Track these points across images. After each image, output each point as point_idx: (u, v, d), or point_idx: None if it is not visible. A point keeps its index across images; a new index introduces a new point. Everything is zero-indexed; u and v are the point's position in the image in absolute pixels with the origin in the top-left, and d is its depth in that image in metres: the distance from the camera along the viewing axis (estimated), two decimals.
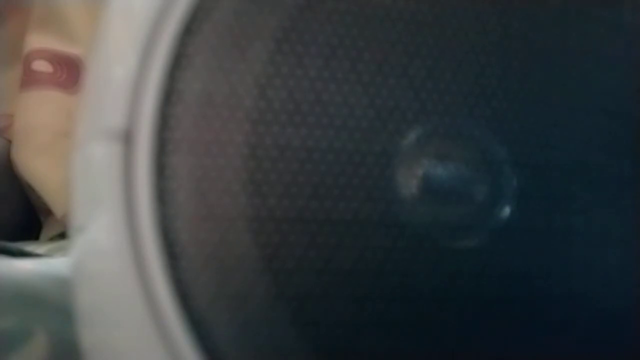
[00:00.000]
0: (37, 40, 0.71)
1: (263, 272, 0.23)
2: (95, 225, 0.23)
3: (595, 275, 0.27)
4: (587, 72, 0.28)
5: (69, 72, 0.71)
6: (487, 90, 0.26)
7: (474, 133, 0.26)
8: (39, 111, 0.70)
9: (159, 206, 0.22)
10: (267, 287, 0.23)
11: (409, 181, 0.25)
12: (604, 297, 0.27)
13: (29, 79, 0.70)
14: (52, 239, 0.70)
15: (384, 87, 0.24)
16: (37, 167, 0.69)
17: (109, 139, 0.22)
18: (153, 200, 0.22)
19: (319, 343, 0.23)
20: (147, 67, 0.22)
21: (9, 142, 0.71)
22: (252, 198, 0.23)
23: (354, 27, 0.24)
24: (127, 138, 0.22)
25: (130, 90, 0.22)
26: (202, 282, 0.22)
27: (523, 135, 0.26)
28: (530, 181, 0.26)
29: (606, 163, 0.28)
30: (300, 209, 0.23)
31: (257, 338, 0.22)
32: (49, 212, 0.70)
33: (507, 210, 0.26)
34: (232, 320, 0.22)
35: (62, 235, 0.69)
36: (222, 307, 0.22)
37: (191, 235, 0.22)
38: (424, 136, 0.25)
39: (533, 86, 0.27)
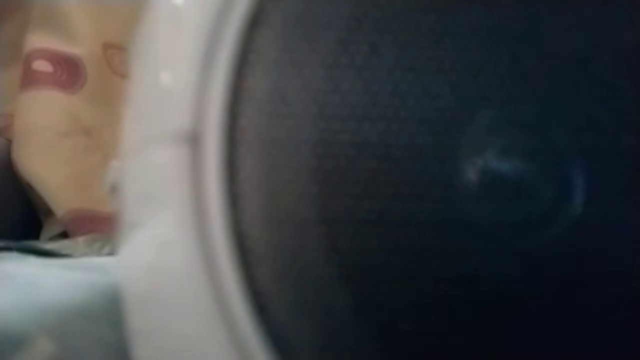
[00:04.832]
0: (37, 40, 0.70)
1: (343, 281, 0.21)
2: (161, 228, 0.22)
3: None
4: None
5: (69, 72, 0.70)
6: (552, 78, 0.24)
7: (540, 121, 0.24)
8: (39, 111, 0.69)
9: (231, 211, 0.21)
10: (349, 298, 0.21)
11: (476, 175, 0.24)
12: None
13: (29, 79, 0.70)
14: (52, 238, 0.70)
15: (467, 75, 0.23)
16: (37, 167, 0.69)
17: (175, 142, 0.21)
18: (225, 205, 0.21)
19: (403, 355, 0.22)
20: (212, 65, 0.21)
21: (9, 142, 0.71)
22: (329, 200, 0.22)
23: (432, 11, 0.23)
24: (194, 140, 0.21)
25: (195, 90, 0.21)
26: (280, 292, 0.21)
27: (590, 122, 0.25)
28: (602, 171, 0.25)
29: None
30: (381, 210, 0.22)
31: (339, 351, 0.21)
32: (49, 212, 0.70)
33: (578, 204, 0.24)
34: (314, 334, 0.21)
35: (62, 235, 0.69)
36: (302, 320, 0.21)
37: (267, 242, 0.21)
38: (492, 127, 0.24)
39: (597, 72, 0.25)
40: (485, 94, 0.24)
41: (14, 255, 0.50)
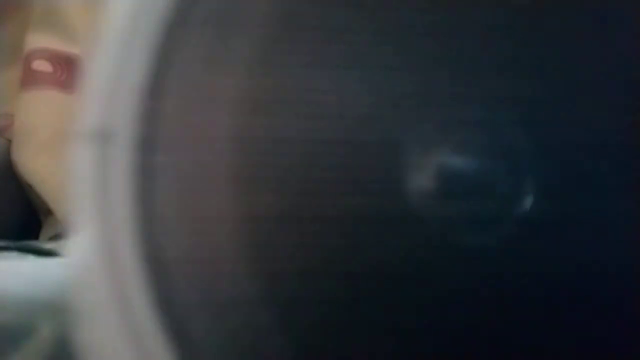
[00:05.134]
0: (37, 40, 0.71)
1: (253, 276, 0.21)
2: (78, 233, 0.22)
3: (632, 266, 0.24)
4: (607, 47, 0.25)
5: (69, 72, 0.70)
6: (503, 73, 0.24)
7: (492, 118, 0.24)
8: (39, 111, 0.70)
9: (139, 210, 0.20)
10: (257, 293, 0.21)
11: (423, 173, 0.24)
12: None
13: (29, 79, 0.70)
14: (52, 238, 0.70)
15: (389, 73, 0.23)
16: (37, 166, 0.69)
17: (90, 140, 0.21)
18: (133, 203, 0.20)
19: (311, 353, 0.22)
20: (128, 61, 0.21)
21: (9, 141, 0.71)
22: (242, 196, 0.21)
23: (360, 7, 0.22)
24: (105, 138, 0.21)
25: (109, 86, 0.21)
26: (185, 289, 0.21)
27: (543, 118, 0.24)
28: (554, 167, 0.24)
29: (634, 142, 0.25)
30: (295, 206, 0.22)
31: (243, 346, 0.21)
32: (49, 212, 0.70)
33: (531, 200, 0.24)
34: (218, 330, 0.21)
35: (62, 235, 0.69)
36: (207, 315, 0.21)
37: (175, 239, 0.21)
38: (439, 124, 0.24)
39: (549, 66, 0.24)
40: (436, 91, 0.23)
41: (14, 254, 0.51)
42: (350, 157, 0.22)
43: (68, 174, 0.23)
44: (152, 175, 0.21)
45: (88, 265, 0.21)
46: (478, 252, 0.24)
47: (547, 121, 0.24)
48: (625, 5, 0.25)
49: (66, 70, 0.70)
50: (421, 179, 0.24)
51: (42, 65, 0.70)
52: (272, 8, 0.22)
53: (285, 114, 0.22)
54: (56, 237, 0.70)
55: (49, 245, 0.58)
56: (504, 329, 0.24)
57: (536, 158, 0.24)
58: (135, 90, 0.21)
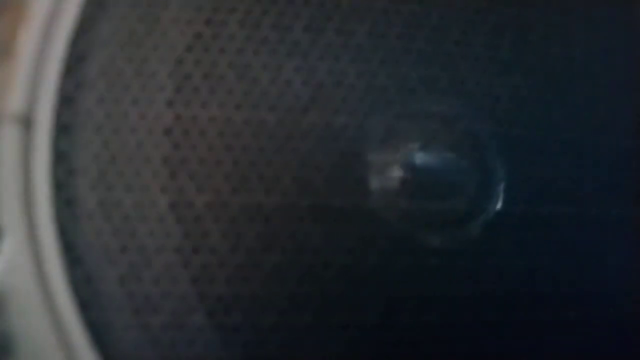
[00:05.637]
0: None
1: (182, 269, 0.20)
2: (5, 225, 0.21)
3: (597, 268, 0.24)
4: (579, 46, 0.25)
5: None
6: (474, 69, 0.23)
7: (462, 113, 0.23)
8: None
9: (57, 197, 0.19)
10: (187, 287, 0.20)
11: (387, 170, 0.22)
12: (611, 293, 0.24)
13: None
14: None
15: (329, 62, 0.22)
16: None
17: (11, 123, 0.20)
18: (52, 192, 0.19)
19: (247, 351, 0.21)
20: (48, 50, 0.20)
21: None
22: (167, 184, 0.20)
23: None
24: (27, 122, 0.20)
25: (31, 69, 0.21)
26: (106, 284, 0.20)
27: (512, 116, 0.23)
28: (522, 165, 0.23)
29: (603, 141, 0.24)
30: (224, 195, 0.20)
31: (170, 346, 0.20)
32: None
33: (499, 200, 0.23)
34: (143, 327, 0.20)
35: None
36: (130, 313, 0.20)
37: (96, 230, 0.20)
38: (405, 118, 0.22)
39: (521, 62, 0.23)
40: (403, 84, 0.22)
41: None
42: (291, 147, 0.21)
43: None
44: (70, 160, 0.20)
45: (14, 262, 0.20)
46: (445, 253, 0.23)
47: (521, 119, 0.23)
48: (604, 5, 0.25)
49: None
50: (384, 175, 0.22)
51: None
52: None
53: (217, 101, 0.20)
54: None
55: None
56: (466, 328, 0.23)
57: (507, 157, 0.23)
58: (54, 73, 0.21)
